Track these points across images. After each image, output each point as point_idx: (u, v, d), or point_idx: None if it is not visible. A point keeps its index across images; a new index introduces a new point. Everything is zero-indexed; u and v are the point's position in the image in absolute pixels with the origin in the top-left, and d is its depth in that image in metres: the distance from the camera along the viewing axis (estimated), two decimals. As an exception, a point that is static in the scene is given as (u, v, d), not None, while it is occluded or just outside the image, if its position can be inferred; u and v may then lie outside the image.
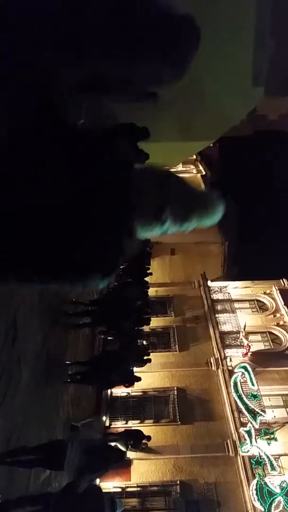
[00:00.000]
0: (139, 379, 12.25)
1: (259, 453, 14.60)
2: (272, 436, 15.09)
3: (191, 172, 33.22)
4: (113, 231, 1.64)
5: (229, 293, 21.47)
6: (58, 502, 5.55)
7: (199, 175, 32.77)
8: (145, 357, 12.72)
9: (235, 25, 10.33)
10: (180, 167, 32.38)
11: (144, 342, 15.60)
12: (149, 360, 12.86)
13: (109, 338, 12.18)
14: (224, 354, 17.91)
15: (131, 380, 11.18)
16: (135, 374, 11.69)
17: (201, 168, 33.48)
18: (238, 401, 16.00)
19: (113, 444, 11.53)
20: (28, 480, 6.26)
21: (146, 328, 14.86)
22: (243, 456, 14.71)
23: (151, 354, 13.76)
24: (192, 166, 33.72)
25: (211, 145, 24.30)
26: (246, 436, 14.99)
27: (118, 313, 10.42)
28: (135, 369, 11.90)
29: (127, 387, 12.34)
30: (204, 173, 32.88)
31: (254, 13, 10.30)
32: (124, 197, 1.64)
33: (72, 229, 1.58)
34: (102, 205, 1.60)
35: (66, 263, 1.63)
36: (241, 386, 16.34)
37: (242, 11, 10.35)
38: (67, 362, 9.34)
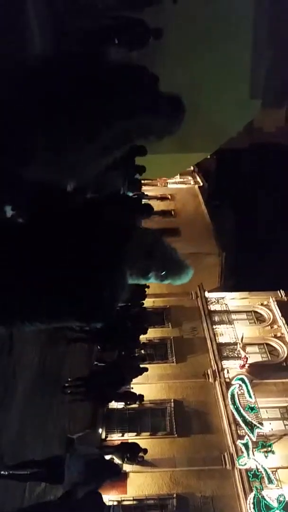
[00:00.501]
0: (141, 397, 12.29)
1: (256, 466, 14.47)
2: (269, 448, 14.97)
3: (189, 183, 33.36)
4: (111, 288, 2.06)
5: (226, 304, 21.42)
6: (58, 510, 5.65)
7: (196, 186, 32.90)
8: (142, 365, 12.73)
9: (233, 40, 10.47)
10: (178, 178, 32.55)
11: (142, 351, 15.56)
12: (146, 369, 12.82)
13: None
14: (222, 365, 17.82)
15: (134, 399, 11.35)
16: (133, 391, 11.80)
17: (198, 179, 33.62)
18: (235, 413, 15.89)
19: (109, 457, 11.47)
20: (23, 493, 6.19)
21: (142, 338, 14.82)
22: (240, 469, 14.58)
23: (148, 365, 13.71)
24: (189, 177, 33.86)
25: (209, 156, 24.45)
26: (243, 448, 14.87)
27: (115, 333, 10.46)
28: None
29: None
30: (201, 184, 33.02)
31: (252, 28, 10.45)
32: (120, 262, 2.08)
33: (78, 285, 1.97)
34: (101, 268, 2.00)
35: (72, 313, 2.07)
36: (239, 398, 16.24)
37: (240, 26, 10.50)
38: (67, 383, 9.44)
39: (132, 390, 13.34)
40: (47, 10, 6.60)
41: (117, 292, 2.11)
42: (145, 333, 13.57)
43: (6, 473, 5.47)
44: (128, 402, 13.89)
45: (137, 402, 13.32)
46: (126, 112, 2.54)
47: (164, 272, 2.26)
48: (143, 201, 9.88)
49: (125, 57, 7.85)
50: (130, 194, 8.87)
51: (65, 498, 5.74)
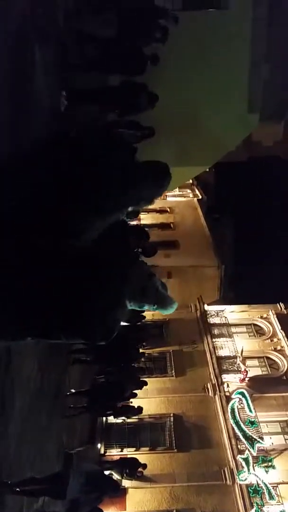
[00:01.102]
0: (140, 409, 12.26)
1: (257, 481, 14.31)
2: (270, 463, 14.82)
3: (188, 196, 33.49)
4: (113, 316, 2.62)
5: (226, 317, 21.36)
6: None
7: (195, 199, 33.03)
8: (141, 379, 12.70)
9: (230, 54, 10.58)
10: (177, 191, 32.67)
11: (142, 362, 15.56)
12: (145, 383, 12.76)
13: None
14: (221, 379, 17.72)
15: (133, 412, 11.29)
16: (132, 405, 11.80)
17: (197, 192, 33.77)
18: (235, 427, 15.76)
19: (108, 472, 11.37)
20: (21, 509, 6.10)
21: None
22: (240, 485, 14.41)
23: (147, 379, 13.63)
24: (188, 190, 34.01)
25: (207, 170, 24.59)
26: (243, 463, 14.71)
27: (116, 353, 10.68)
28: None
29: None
30: (200, 197, 33.16)
31: (250, 41, 10.57)
32: (121, 297, 2.63)
33: (87, 310, 2.47)
34: (106, 300, 2.51)
35: (83, 331, 2.56)
36: (239, 413, 16.11)
37: (238, 39, 10.61)
38: (69, 393, 9.83)
39: (130, 404, 13.28)
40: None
41: (117, 319, 2.68)
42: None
43: (17, 489, 5.76)
44: (128, 416, 13.82)
45: (136, 415, 13.26)
46: (116, 195, 2.85)
47: (155, 306, 2.87)
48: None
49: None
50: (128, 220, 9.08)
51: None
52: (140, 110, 8.61)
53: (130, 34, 8.18)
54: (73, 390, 10.12)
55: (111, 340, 2.70)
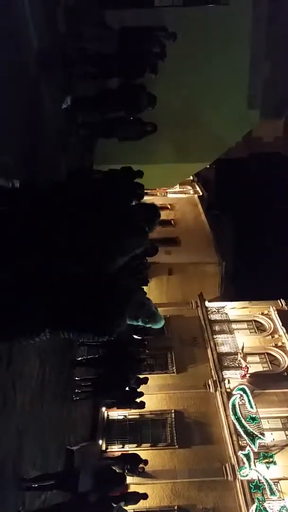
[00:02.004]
0: (143, 404, 12.33)
1: (258, 477, 14.34)
2: (271, 459, 14.84)
3: (188, 193, 33.47)
4: (118, 323, 3.50)
5: (226, 314, 21.37)
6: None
7: (196, 195, 33.01)
8: (143, 376, 12.86)
9: (231, 50, 10.56)
10: (177, 188, 32.65)
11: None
12: (146, 379, 12.80)
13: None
14: (222, 376, 17.74)
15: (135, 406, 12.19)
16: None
17: (198, 189, 33.75)
18: (236, 424, 15.78)
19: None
20: (22, 505, 6.13)
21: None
22: (241, 481, 14.45)
23: (148, 376, 13.63)
24: (189, 187, 33.99)
25: (208, 166, 24.56)
26: (244, 459, 14.75)
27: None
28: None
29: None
30: (201, 193, 33.14)
31: (250, 38, 10.54)
32: (125, 311, 3.51)
33: (99, 319, 3.40)
34: (114, 314, 3.43)
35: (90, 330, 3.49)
36: (240, 409, 16.13)
37: (238, 36, 10.59)
38: (76, 378, 10.71)
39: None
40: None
41: (120, 325, 3.50)
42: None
43: (28, 484, 6.31)
44: (130, 407, 13.82)
45: (138, 409, 13.28)
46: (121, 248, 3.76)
47: (147, 320, 3.68)
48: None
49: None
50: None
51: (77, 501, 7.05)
52: (141, 111, 8.67)
53: (130, 51, 8.33)
54: (77, 378, 10.85)
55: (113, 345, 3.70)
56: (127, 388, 12.00)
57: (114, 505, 7.33)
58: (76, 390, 10.76)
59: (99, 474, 7.54)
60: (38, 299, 3.20)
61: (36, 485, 6.57)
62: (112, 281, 3.55)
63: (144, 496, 9.47)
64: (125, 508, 8.03)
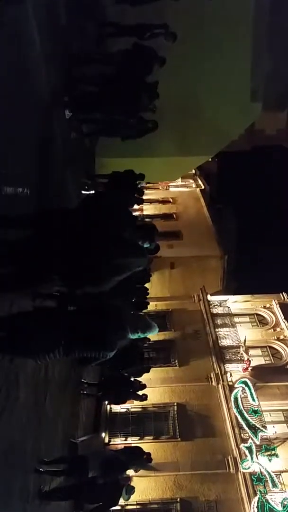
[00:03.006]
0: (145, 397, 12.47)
1: (260, 470, 14.41)
2: (273, 452, 14.91)
3: (191, 186, 33.39)
4: (119, 338, 4.03)
5: (228, 307, 21.38)
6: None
7: (198, 189, 32.92)
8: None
9: (233, 43, 10.49)
10: (179, 182, 32.57)
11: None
12: (148, 370, 13.08)
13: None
14: (224, 369, 17.79)
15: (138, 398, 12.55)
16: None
17: (200, 182, 33.65)
18: (238, 416, 15.84)
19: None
20: (26, 500, 6.17)
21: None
22: (244, 473, 14.52)
23: (150, 369, 13.70)
24: (191, 181, 33.90)
25: (210, 159, 24.47)
26: (247, 452, 14.82)
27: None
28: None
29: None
30: (203, 187, 33.04)
31: (252, 30, 10.47)
32: (125, 327, 4.10)
33: (104, 336, 3.93)
34: (116, 330, 4.02)
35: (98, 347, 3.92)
36: (242, 402, 16.19)
37: (240, 28, 10.52)
38: (82, 380, 11.27)
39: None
40: None
41: (119, 342, 4.03)
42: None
43: (42, 469, 6.87)
44: (134, 398, 13.90)
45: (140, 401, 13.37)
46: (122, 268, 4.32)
47: (145, 331, 4.28)
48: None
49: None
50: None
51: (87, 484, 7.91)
52: (141, 111, 8.68)
53: (130, 69, 8.38)
54: (83, 380, 11.41)
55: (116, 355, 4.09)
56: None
57: (123, 483, 8.36)
58: (81, 391, 11.29)
59: (106, 460, 8.37)
60: (54, 326, 3.85)
61: (49, 470, 7.16)
62: (113, 304, 4.19)
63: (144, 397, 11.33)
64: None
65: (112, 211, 4.78)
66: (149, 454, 12.16)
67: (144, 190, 20.91)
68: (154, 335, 17.69)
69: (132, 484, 13.65)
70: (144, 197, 25.02)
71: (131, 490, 8.50)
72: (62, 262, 4.00)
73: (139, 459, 10.17)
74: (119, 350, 4.05)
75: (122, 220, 4.84)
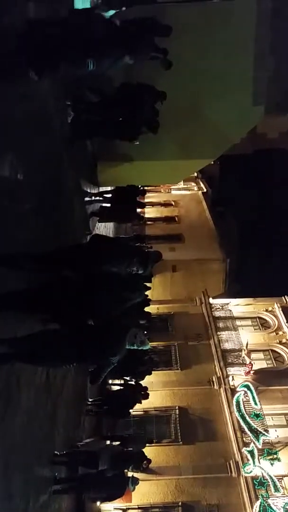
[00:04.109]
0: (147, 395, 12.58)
1: (262, 474, 14.36)
2: (275, 456, 14.85)
3: (193, 190, 33.43)
4: (118, 349, 4.85)
5: (230, 310, 21.35)
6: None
7: (200, 192, 32.97)
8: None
9: (235, 46, 10.49)
10: (181, 185, 32.60)
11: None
12: (149, 372, 13.30)
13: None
14: (226, 372, 17.75)
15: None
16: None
17: (202, 185, 33.70)
18: (240, 420, 15.81)
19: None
20: (28, 503, 6.16)
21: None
22: (246, 477, 14.48)
23: (152, 372, 13.72)
24: (193, 184, 33.95)
25: (212, 163, 24.48)
26: (248, 456, 14.77)
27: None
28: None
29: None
30: (205, 190, 33.08)
31: (254, 33, 10.46)
32: (123, 340, 4.90)
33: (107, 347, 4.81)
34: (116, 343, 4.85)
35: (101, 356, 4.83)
36: (244, 405, 16.15)
37: (242, 32, 10.52)
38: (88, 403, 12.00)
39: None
40: None
41: (120, 350, 4.83)
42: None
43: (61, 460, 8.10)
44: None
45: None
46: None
47: (139, 345, 4.89)
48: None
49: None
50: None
51: (98, 475, 8.82)
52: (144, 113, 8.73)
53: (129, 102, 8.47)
54: (89, 399, 12.11)
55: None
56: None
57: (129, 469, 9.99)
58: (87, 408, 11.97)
59: (114, 455, 9.31)
60: (69, 343, 4.72)
61: (62, 461, 8.16)
62: (116, 324, 4.96)
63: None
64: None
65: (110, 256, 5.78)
66: (149, 460, 12.13)
67: (145, 204, 21.15)
68: (156, 339, 17.96)
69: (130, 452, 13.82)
70: (146, 200, 25.14)
71: (135, 481, 9.49)
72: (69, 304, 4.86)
73: (138, 463, 10.40)
74: (121, 359, 4.86)
75: (118, 259, 5.84)
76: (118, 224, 18.42)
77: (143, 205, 12.53)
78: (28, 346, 4.69)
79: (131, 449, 11.57)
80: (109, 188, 13.67)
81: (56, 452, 7.92)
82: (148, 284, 7.63)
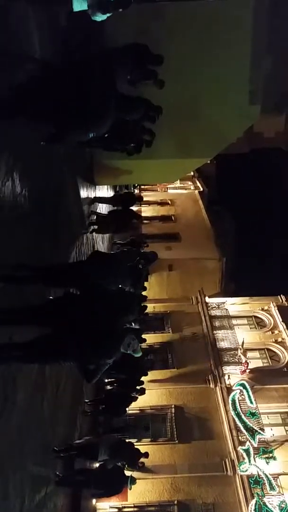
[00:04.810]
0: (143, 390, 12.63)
1: (257, 472, 14.39)
2: (270, 454, 14.89)
3: (189, 189, 33.44)
4: (114, 351, 4.80)
5: (227, 310, 21.38)
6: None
7: (196, 191, 32.98)
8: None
9: (231, 45, 10.49)
10: (178, 184, 32.61)
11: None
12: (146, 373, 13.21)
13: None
14: (222, 371, 17.77)
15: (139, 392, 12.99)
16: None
17: (198, 184, 33.72)
18: (236, 419, 15.83)
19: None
20: (23, 501, 6.15)
21: (143, 345, 14.80)
22: (241, 476, 14.50)
23: (148, 371, 13.70)
24: (190, 183, 33.97)
25: (209, 162, 24.50)
26: (244, 455, 14.79)
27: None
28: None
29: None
30: (201, 189, 33.10)
31: (251, 32, 10.47)
32: (118, 344, 4.81)
33: (105, 350, 4.76)
34: (113, 347, 4.81)
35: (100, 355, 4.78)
36: (240, 404, 16.18)
37: (239, 31, 10.52)
38: (86, 400, 12.20)
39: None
40: None
41: (115, 352, 4.78)
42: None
43: (62, 454, 8.47)
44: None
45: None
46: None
47: (133, 351, 4.87)
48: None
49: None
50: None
51: (100, 469, 9.50)
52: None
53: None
54: (87, 400, 12.34)
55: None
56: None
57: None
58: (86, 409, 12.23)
59: (114, 444, 9.73)
60: (70, 344, 4.75)
61: (63, 455, 8.49)
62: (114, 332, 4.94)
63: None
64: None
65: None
66: (147, 453, 12.13)
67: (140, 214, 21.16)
68: (151, 337, 17.97)
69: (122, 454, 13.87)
70: (143, 199, 25.12)
71: (133, 480, 9.91)
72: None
73: (134, 461, 10.53)
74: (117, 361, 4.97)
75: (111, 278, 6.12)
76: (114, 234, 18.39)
77: (138, 216, 12.72)
78: (28, 346, 4.75)
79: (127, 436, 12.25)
80: (105, 191, 13.72)
81: (55, 448, 8.17)
82: (144, 283, 7.70)
